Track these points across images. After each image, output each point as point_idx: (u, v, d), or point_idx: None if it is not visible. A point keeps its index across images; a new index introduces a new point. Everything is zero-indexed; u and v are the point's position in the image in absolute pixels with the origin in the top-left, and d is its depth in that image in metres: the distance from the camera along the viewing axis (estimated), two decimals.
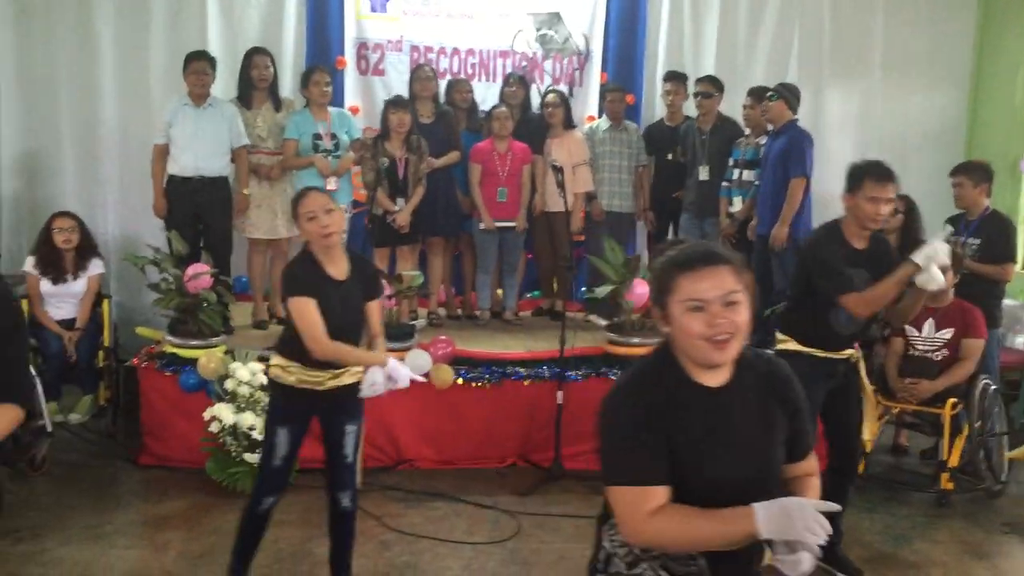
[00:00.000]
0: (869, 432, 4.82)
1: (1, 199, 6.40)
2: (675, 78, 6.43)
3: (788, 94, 5.56)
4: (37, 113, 6.46)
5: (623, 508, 1.84)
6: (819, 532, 1.70)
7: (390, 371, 3.29)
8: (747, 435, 1.89)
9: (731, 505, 1.80)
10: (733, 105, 6.17)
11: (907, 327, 4.86)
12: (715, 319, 1.80)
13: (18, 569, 3.72)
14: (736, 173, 5.89)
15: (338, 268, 3.29)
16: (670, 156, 6.40)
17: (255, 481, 3.51)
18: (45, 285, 5.33)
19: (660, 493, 1.81)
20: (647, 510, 1.79)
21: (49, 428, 4.74)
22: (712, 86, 6.15)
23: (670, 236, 6.31)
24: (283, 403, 3.38)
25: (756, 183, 5.73)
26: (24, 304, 5.27)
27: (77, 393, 5.42)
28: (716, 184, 6.01)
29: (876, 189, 3.42)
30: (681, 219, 6.27)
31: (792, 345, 3.68)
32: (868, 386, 3.83)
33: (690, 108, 6.46)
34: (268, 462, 3.38)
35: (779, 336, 3.77)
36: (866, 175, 3.46)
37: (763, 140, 5.75)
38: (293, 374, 3.31)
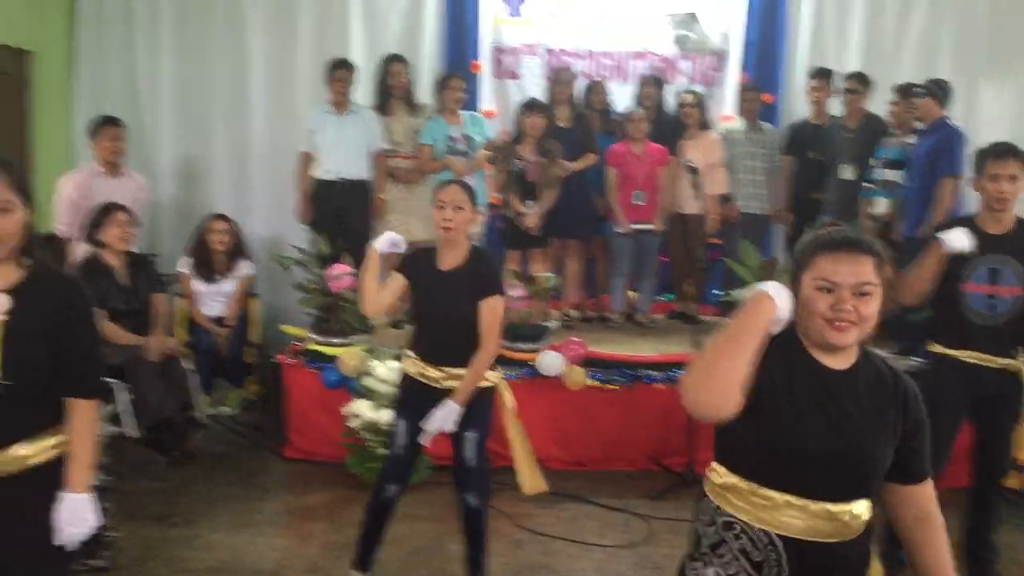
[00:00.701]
0: None
1: (161, 203, 6.79)
2: (821, 75, 6.24)
3: (938, 90, 5.29)
4: (193, 122, 6.83)
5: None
6: None
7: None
8: (853, 422, 1.86)
9: (821, 481, 1.84)
10: (881, 103, 5.92)
11: None
12: (841, 303, 1.81)
13: (173, 552, 3.94)
14: (880, 173, 5.65)
15: (451, 260, 3.35)
16: (810, 155, 6.21)
17: (380, 468, 3.60)
18: (197, 284, 5.63)
19: None
20: None
21: (203, 420, 5.04)
22: (860, 83, 5.93)
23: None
24: (405, 393, 3.49)
25: (901, 184, 5.49)
26: (180, 303, 5.61)
27: (227, 387, 5.70)
28: (859, 184, 5.79)
29: (995, 166, 3.39)
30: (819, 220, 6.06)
31: (938, 348, 3.54)
32: None
33: (834, 106, 6.26)
34: (390, 449, 3.50)
35: (934, 347, 3.62)
36: (986, 155, 3.43)
37: (911, 139, 5.51)
38: (414, 365, 3.41)
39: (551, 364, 4.92)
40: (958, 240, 3.37)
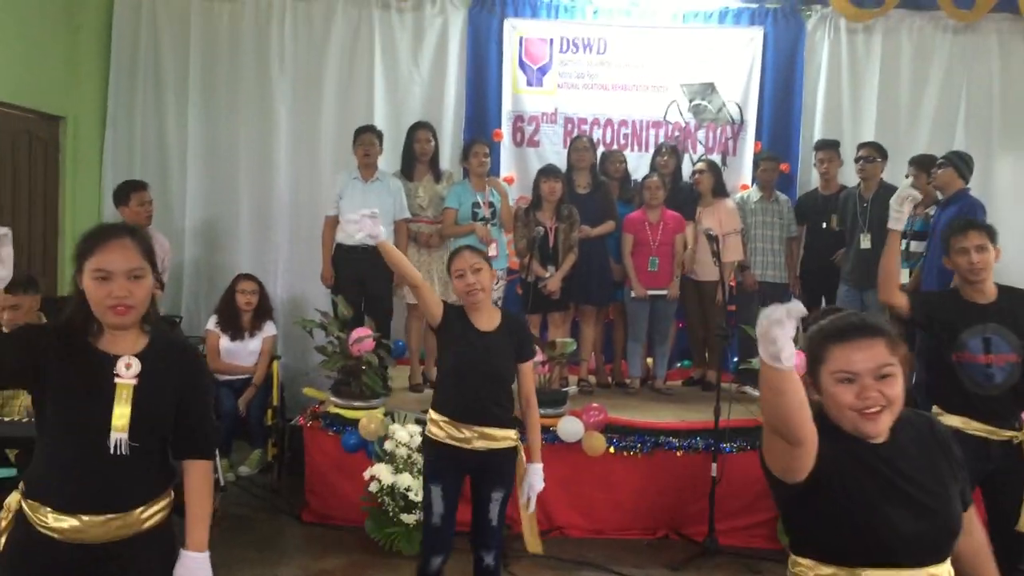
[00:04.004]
0: None
1: (184, 263, 6.89)
2: (827, 146, 6.34)
3: (959, 162, 5.37)
4: (219, 184, 6.95)
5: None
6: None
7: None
8: (920, 488, 1.87)
9: (917, 551, 1.82)
10: (895, 175, 5.99)
11: None
12: (866, 392, 1.82)
13: None
14: (903, 244, 5.69)
15: (485, 322, 3.42)
16: (825, 225, 6.26)
17: (421, 542, 3.62)
18: (224, 342, 5.68)
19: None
20: None
21: (222, 483, 5.05)
22: (875, 151, 6.01)
23: (823, 305, 6.15)
24: (434, 459, 3.51)
25: (924, 254, 5.53)
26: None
27: (247, 449, 5.71)
28: (877, 253, 5.79)
29: (960, 240, 3.54)
30: (839, 290, 6.08)
31: (946, 419, 3.54)
32: None
33: (845, 177, 6.34)
34: (428, 521, 3.49)
35: (935, 408, 3.64)
36: (949, 234, 3.63)
37: (931, 211, 5.56)
38: (443, 429, 3.43)
39: (571, 430, 4.92)
40: (906, 192, 3.51)
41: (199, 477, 2.32)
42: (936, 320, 3.61)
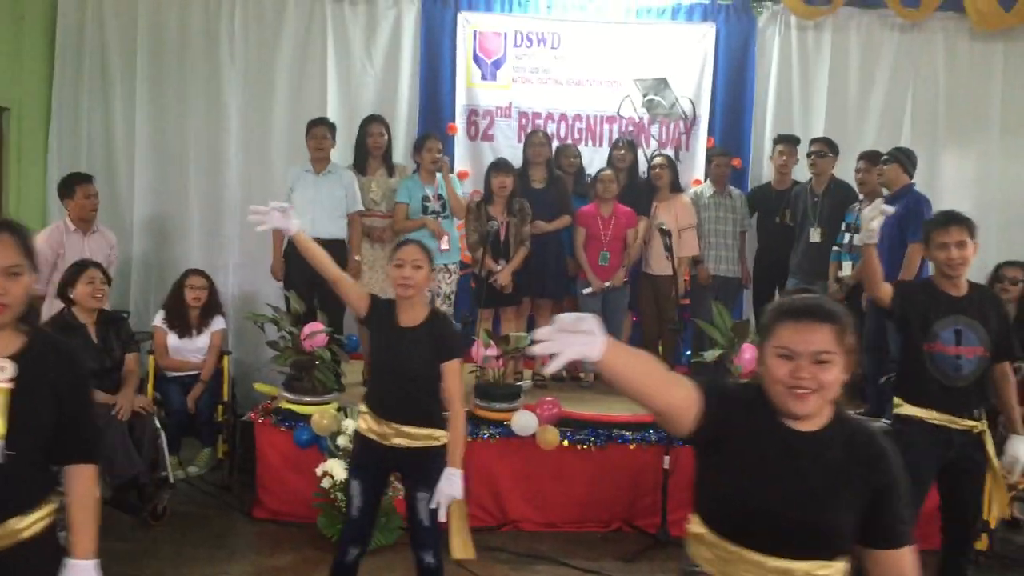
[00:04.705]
0: (999, 510, 4.61)
1: (132, 258, 6.77)
2: (788, 140, 6.41)
3: (904, 158, 5.46)
4: (168, 178, 6.84)
5: None
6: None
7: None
8: (810, 485, 1.89)
9: (775, 538, 1.87)
10: (844, 170, 6.09)
11: None
12: (799, 372, 1.86)
13: None
14: (848, 237, 5.78)
15: (409, 318, 3.39)
16: (777, 219, 6.34)
17: (341, 531, 3.59)
18: (172, 339, 5.59)
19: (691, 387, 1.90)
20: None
21: (171, 480, 4.97)
22: (826, 146, 6.09)
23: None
24: (358, 452, 3.51)
25: None
26: (151, 360, 5.57)
27: (196, 446, 5.62)
28: (827, 247, 5.91)
29: (941, 235, 3.56)
30: (788, 283, 6.16)
31: (907, 409, 3.62)
32: (996, 463, 3.68)
33: (798, 172, 6.42)
34: (348, 513, 3.49)
35: (895, 400, 3.70)
36: (931, 226, 3.63)
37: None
38: (367, 423, 3.43)
39: (525, 424, 4.92)
40: (869, 223, 3.58)
41: (83, 482, 2.21)
42: (911, 310, 3.65)
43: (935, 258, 3.60)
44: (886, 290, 3.69)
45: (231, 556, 4.58)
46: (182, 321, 5.60)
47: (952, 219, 3.59)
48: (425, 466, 3.36)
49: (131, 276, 6.78)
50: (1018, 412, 3.80)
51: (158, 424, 4.97)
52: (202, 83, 6.79)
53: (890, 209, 3.64)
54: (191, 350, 5.60)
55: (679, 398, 1.88)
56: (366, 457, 3.45)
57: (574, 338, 1.67)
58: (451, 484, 3.28)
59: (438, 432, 3.39)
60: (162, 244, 6.88)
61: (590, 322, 1.69)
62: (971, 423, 3.60)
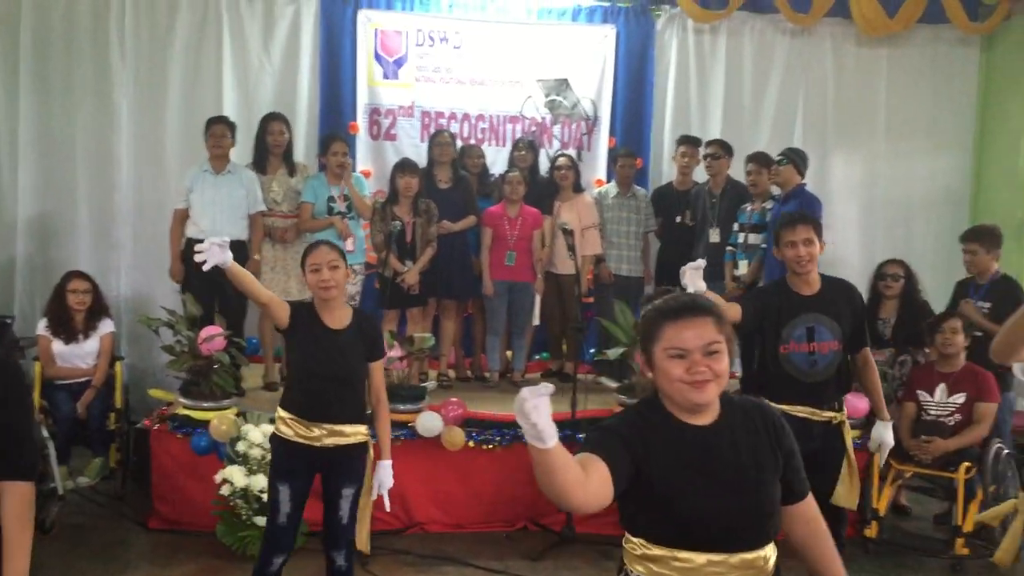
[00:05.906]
0: (883, 497, 4.83)
1: (16, 259, 6.46)
2: (689, 142, 6.54)
3: (797, 158, 5.65)
4: (54, 177, 6.56)
5: None
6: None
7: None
8: (735, 472, 1.95)
9: (730, 534, 1.91)
10: (740, 171, 6.25)
11: (920, 392, 4.92)
12: (696, 367, 1.92)
13: None
14: (741, 237, 5.94)
15: (336, 320, 3.40)
16: (679, 219, 6.47)
17: (262, 541, 3.54)
18: (57, 346, 5.35)
19: (596, 461, 1.85)
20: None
21: (60, 491, 4.76)
22: (721, 148, 6.25)
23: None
24: (284, 458, 3.45)
25: (763, 246, 5.77)
26: (37, 366, 5.32)
27: (87, 455, 5.40)
28: (725, 247, 6.06)
29: (789, 234, 3.77)
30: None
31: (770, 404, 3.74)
32: (852, 454, 3.88)
33: (699, 173, 6.56)
34: (273, 521, 3.43)
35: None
36: (780, 226, 3.84)
37: (768, 205, 5.82)
38: (291, 427, 3.39)
39: (430, 425, 4.89)
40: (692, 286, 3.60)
41: (17, 501, 2.07)
42: (766, 315, 3.81)
43: (785, 256, 3.81)
44: (732, 311, 3.75)
45: (125, 568, 4.44)
46: (67, 327, 5.36)
47: (799, 219, 3.85)
48: (352, 463, 3.45)
49: (15, 279, 6.48)
50: (882, 397, 4.01)
51: (45, 433, 4.75)
52: (90, 79, 6.53)
53: (701, 262, 3.67)
54: (80, 356, 5.37)
55: (596, 490, 1.82)
56: (294, 462, 3.42)
57: (542, 411, 1.61)
58: (388, 474, 3.52)
59: (364, 428, 3.48)
60: (48, 245, 6.59)
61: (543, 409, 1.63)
62: (831, 414, 3.83)
